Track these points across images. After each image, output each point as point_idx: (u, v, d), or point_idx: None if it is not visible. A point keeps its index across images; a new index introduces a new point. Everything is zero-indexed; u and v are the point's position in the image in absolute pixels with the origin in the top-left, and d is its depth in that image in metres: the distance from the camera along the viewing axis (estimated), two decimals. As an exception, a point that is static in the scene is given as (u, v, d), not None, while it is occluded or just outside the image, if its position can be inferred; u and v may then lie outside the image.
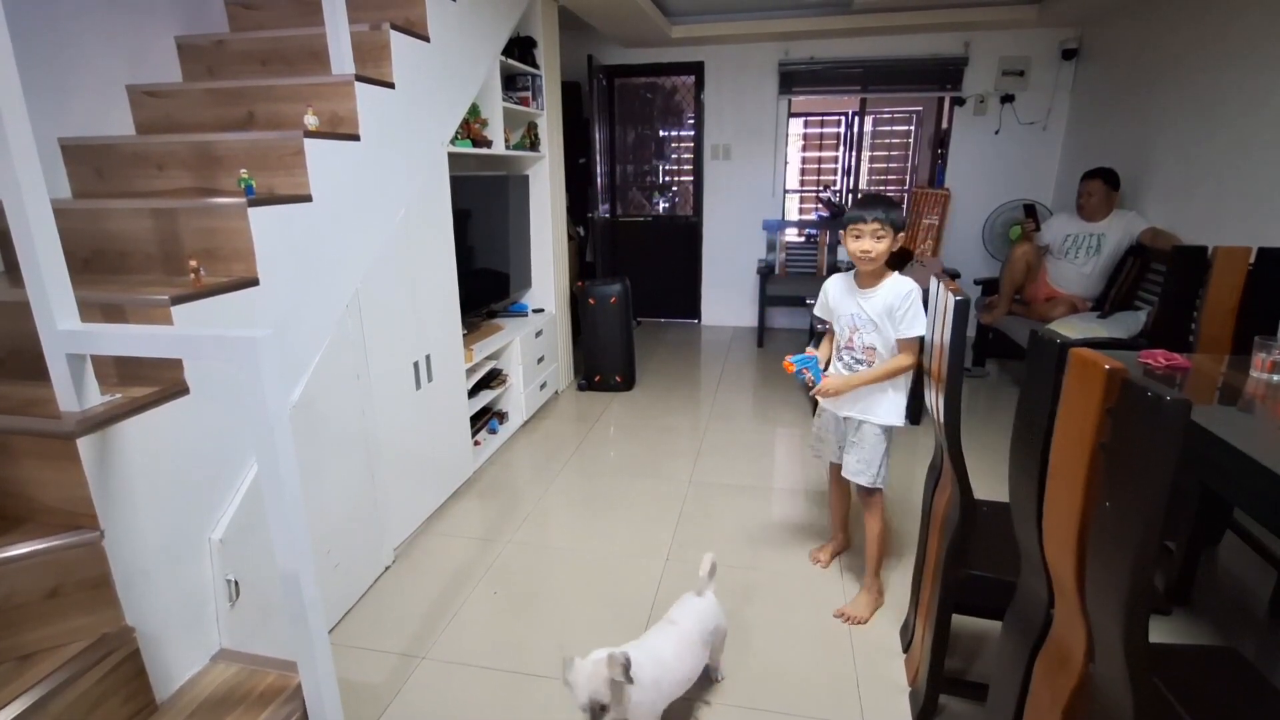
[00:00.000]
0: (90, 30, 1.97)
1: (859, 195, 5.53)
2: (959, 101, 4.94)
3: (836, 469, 2.17)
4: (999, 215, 4.74)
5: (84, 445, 1.23)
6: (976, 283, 4.51)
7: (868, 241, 1.84)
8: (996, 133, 4.94)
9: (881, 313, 1.88)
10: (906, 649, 1.88)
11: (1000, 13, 4.41)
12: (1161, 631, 1.93)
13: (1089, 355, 0.95)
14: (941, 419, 1.57)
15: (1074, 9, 4.14)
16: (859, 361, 1.95)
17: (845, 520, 2.31)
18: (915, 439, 3.28)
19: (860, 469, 1.98)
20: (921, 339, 1.84)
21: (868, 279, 1.92)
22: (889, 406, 1.94)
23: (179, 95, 2.06)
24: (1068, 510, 1.01)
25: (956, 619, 1.57)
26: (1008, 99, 4.84)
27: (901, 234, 1.89)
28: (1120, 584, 0.87)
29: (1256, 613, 2.07)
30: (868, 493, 2.01)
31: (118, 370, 1.41)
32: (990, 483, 2.44)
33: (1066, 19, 4.41)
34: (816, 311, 2.08)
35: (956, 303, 1.48)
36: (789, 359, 1.95)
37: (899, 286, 1.87)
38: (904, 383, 1.94)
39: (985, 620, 1.70)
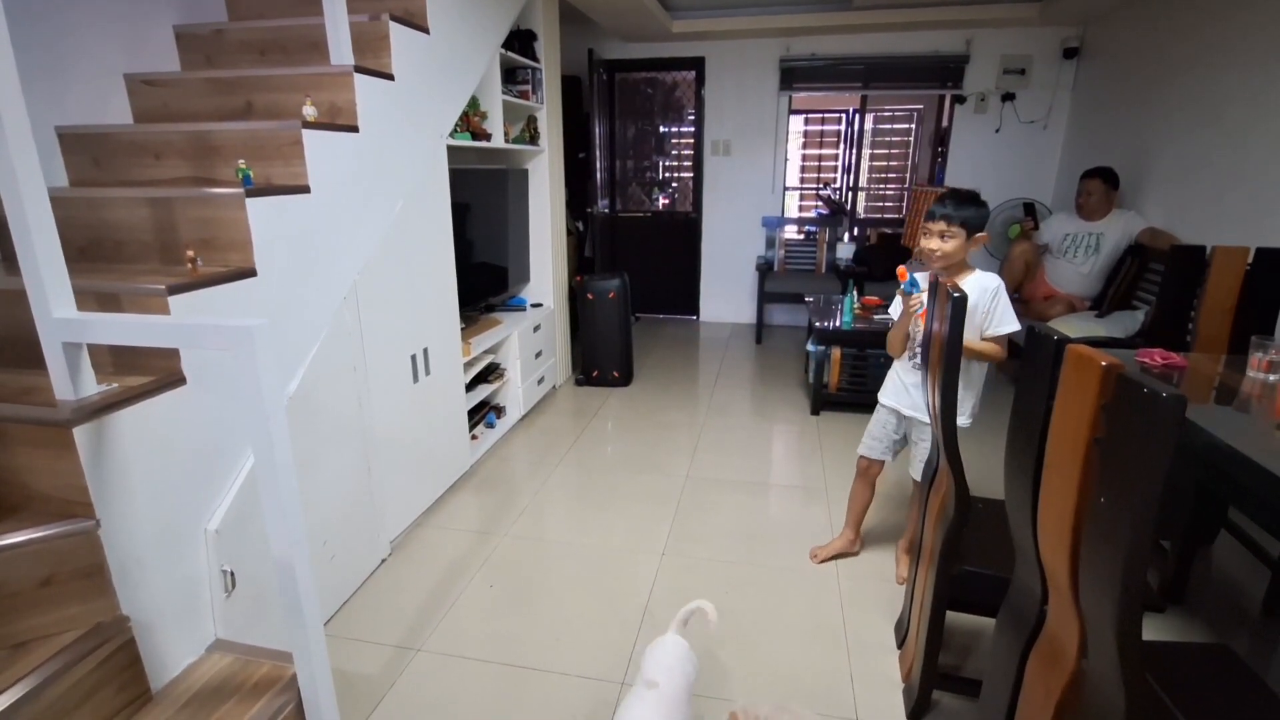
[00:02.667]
0: (88, 18, 1.96)
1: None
2: (960, 99, 4.94)
3: (868, 465, 2.16)
4: (998, 214, 4.73)
5: (80, 434, 1.23)
6: None
7: (934, 240, 1.81)
8: (997, 131, 4.94)
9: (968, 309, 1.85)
10: (901, 645, 1.88)
11: (1002, 10, 4.41)
12: (1155, 629, 1.94)
13: (1085, 351, 0.95)
14: (938, 415, 1.57)
15: (1076, 7, 4.14)
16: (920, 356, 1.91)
17: (860, 520, 2.27)
18: None
19: (923, 468, 1.98)
20: (1010, 336, 1.81)
21: (949, 275, 1.84)
22: (961, 408, 1.89)
23: (177, 84, 2.05)
24: (1062, 505, 1.01)
25: (950, 616, 1.57)
26: (1008, 97, 4.84)
27: (981, 234, 1.82)
28: (1114, 579, 0.87)
29: (1250, 611, 2.08)
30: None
31: (114, 359, 1.40)
32: (986, 480, 2.44)
33: (1068, 17, 4.41)
34: (891, 311, 2.06)
35: (955, 299, 1.48)
36: (906, 269, 1.88)
37: (985, 282, 1.82)
38: (977, 382, 1.92)
39: (979, 617, 1.71)
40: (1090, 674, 1.01)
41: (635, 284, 4.35)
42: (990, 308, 1.81)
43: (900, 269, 1.88)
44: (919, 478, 2.03)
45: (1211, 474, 1.38)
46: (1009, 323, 1.81)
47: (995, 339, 1.84)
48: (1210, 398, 1.70)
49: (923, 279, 1.86)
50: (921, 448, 2.03)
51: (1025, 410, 1.18)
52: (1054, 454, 1.05)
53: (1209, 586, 2.17)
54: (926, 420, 1.96)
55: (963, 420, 1.92)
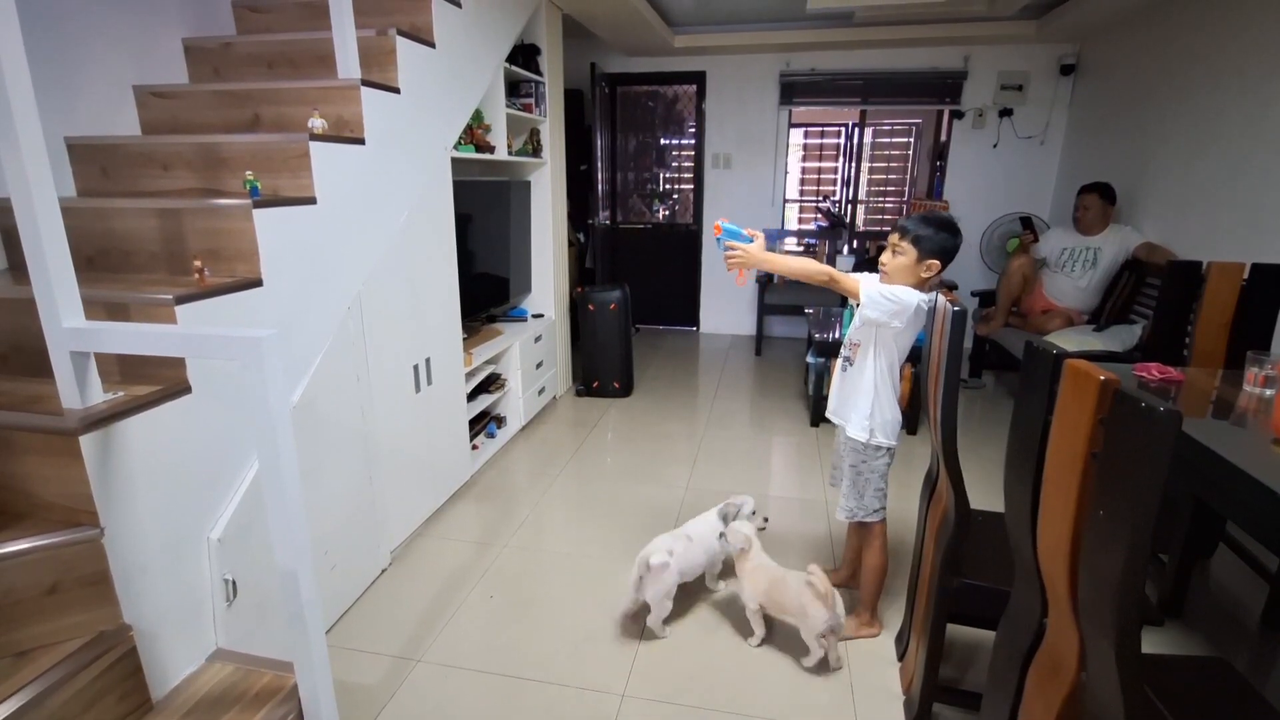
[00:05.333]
0: (97, 30, 1.98)
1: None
2: (958, 115, 4.99)
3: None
4: (996, 228, 4.78)
5: (86, 442, 1.23)
6: (974, 294, 4.54)
7: (886, 254, 1.77)
8: (995, 146, 4.98)
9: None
10: (901, 657, 1.88)
11: (1000, 27, 4.46)
12: (1154, 642, 1.94)
13: (1083, 366, 0.96)
14: (938, 427, 1.58)
15: (1072, 25, 4.19)
16: (846, 359, 1.88)
17: (857, 556, 2.08)
18: (911, 449, 3.29)
19: (842, 502, 1.90)
20: (857, 290, 1.71)
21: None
22: (859, 419, 1.80)
23: (185, 96, 2.07)
24: (1061, 519, 1.02)
25: (950, 628, 1.58)
26: (1006, 113, 4.88)
27: (933, 262, 1.70)
28: (1112, 592, 0.88)
29: (1248, 625, 2.08)
30: (860, 524, 1.92)
31: (120, 368, 1.41)
32: (985, 493, 2.45)
33: (1065, 35, 4.46)
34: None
35: (954, 313, 1.49)
36: (721, 223, 1.79)
37: (909, 290, 1.73)
38: (872, 393, 1.79)
39: (979, 629, 1.71)
40: (1089, 686, 1.01)
41: (635, 295, 4.36)
42: (886, 289, 1.71)
43: (715, 225, 1.82)
44: (839, 516, 1.93)
45: (1209, 488, 1.39)
46: (870, 294, 1.69)
47: (854, 279, 1.73)
48: (1207, 412, 1.72)
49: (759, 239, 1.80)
50: (844, 475, 1.90)
51: (1024, 424, 1.19)
52: (1053, 467, 1.06)
53: (1207, 600, 2.18)
54: (842, 423, 1.88)
55: (859, 434, 1.81)
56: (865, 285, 1.73)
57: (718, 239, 1.80)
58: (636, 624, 2.02)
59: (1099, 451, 0.93)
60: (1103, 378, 0.91)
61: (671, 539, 2.03)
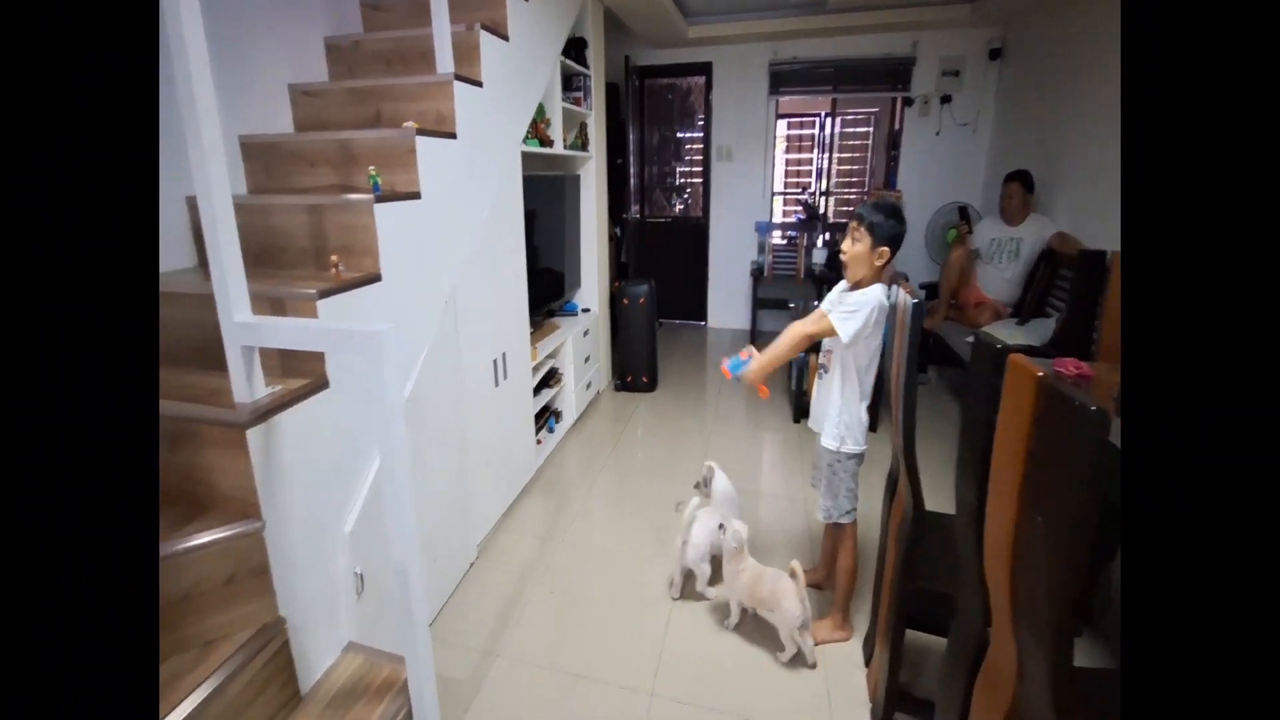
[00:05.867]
0: (262, 31, 2.02)
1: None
2: (908, 102, 4.84)
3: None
4: (938, 218, 4.50)
5: (251, 435, 1.25)
6: (920, 286, 4.35)
7: (846, 241, 1.74)
8: (937, 134, 4.82)
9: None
10: (868, 663, 1.84)
11: (939, 12, 4.31)
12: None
13: (1021, 361, 0.92)
14: (900, 426, 1.54)
15: (999, 8, 4.03)
16: (822, 366, 1.88)
17: (832, 557, 2.05)
18: (872, 447, 3.15)
19: (820, 503, 1.91)
20: (833, 330, 1.71)
21: (854, 284, 1.77)
22: (830, 427, 1.82)
23: (326, 95, 2.11)
24: (1001, 522, 0.97)
25: (919, 635, 1.54)
26: (946, 100, 4.72)
27: (883, 249, 1.68)
28: (1043, 601, 0.85)
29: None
30: (834, 526, 1.93)
31: (280, 363, 1.43)
32: (943, 494, 2.41)
33: (993, 18, 4.31)
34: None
35: (913, 305, 1.45)
36: (725, 366, 1.86)
37: (865, 291, 1.73)
38: (839, 400, 1.79)
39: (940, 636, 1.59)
40: (1025, 700, 0.95)
41: (659, 289, 4.29)
42: (850, 301, 1.72)
43: (723, 369, 1.87)
44: (818, 517, 1.94)
45: (1112, 487, 1.34)
46: (841, 317, 1.70)
47: (823, 322, 1.74)
48: (1114, 409, 1.66)
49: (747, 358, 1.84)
50: (822, 479, 1.91)
51: (970, 422, 1.13)
52: (996, 468, 0.99)
53: (1111, 606, 2.00)
54: (819, 430, 1.90)
55: (831, 443, 1.83)
56: (831, 315, 1.73)
57: (731, 380, 1.89)
58: (688, 585, 2.16)
59: (1033, 450, 0.88)
60: (1040, 373, 0.86)
61: (707, 512, 2.16)
